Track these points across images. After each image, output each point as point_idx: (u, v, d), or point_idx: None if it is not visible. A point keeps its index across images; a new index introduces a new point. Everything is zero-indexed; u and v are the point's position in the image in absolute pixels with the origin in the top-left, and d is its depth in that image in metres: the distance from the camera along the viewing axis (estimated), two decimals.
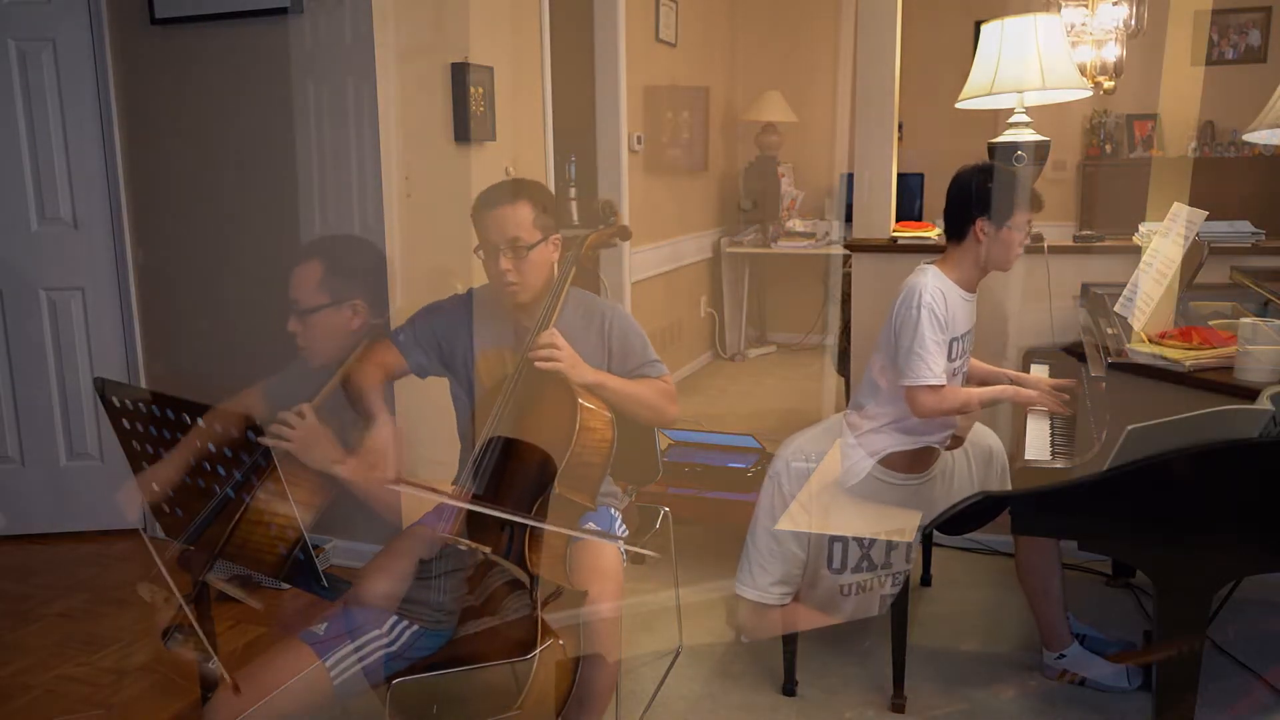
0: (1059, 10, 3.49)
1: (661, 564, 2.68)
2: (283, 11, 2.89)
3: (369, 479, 1.80)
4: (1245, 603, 2.44)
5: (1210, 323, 2.24)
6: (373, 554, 2.00)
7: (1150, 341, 2.14)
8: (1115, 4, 3.60)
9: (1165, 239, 2.36)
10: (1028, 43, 2.75)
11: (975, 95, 2.87)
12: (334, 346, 2.04)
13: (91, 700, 2.40)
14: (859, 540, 2.34)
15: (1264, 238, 2.67)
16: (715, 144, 5.89)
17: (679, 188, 5.44)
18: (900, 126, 3.46)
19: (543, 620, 1.71)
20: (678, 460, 3.23)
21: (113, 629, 2.75)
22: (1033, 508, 1.89)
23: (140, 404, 1.58)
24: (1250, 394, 1.82)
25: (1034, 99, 2.89)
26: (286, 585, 1.57)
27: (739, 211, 6.02)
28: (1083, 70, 3.52)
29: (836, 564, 2.36)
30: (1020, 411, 2.52)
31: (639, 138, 4.82)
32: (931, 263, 2.39)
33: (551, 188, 3.86)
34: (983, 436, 2.60)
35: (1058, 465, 2.23)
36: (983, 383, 2.54)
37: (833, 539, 2.35)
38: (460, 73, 3.13)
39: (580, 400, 1.92)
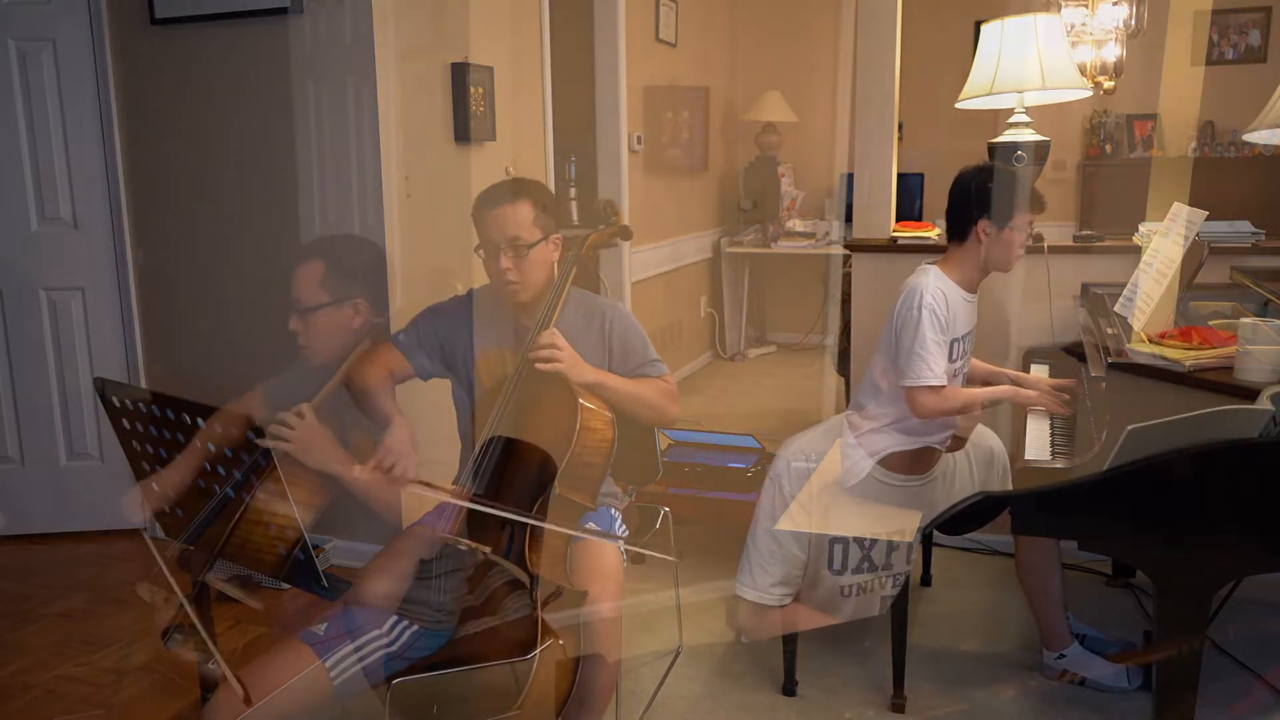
0: (1059, 10, 3.49)
1: (661, 564, 2.68)
2: (283, 11, 2.89)
3: (389, 480, 1.80)
4: (1245, 603, 2.43)
5: (1210, 323, 2.23)
6: (373, 554, 1.99)
7: (1150, 341, 2.14)
8: (1115, 4, 3.59)
9: (1165, 239, 2.36)
10: (1028, 43, 2.75)
11: (975, 95, 2.87)
12: (335, 345, 2.05)
13: (91, 700, 2.40)
14: (860, 541, 2.34)
15: (1264, 238, 2.67)
16: (715, 144, 5.89)
17: (679, 188, 5.44)
18: (900, 126, 3.46)
19: (543, 620, 1.71)
20: (678, 460, 3.23)
21: (113, 629, 2.75)
22: (1033, 508, 1.89)
23: (140, 404, 1.58)
24: (1250, 394, 1.82)
25: (1034, 99, 2.89)
26: (286, 585, 1.57)
27: (739, 211, 6.02)
28: (1083, 70, 3.52)
29: (837, 565, 2.36)
30: (1020, 412, 2.52)
31: (639, 138, 4.82)
32: (932, 263, 2.39)
33: (551, 188, 3.86)
34: (984, 438, 2.59)
35: (1058, 465, 2.23)
36: (984, 383, 2.54)
37: (833, 540, 2.35)
38: (460, 73, 3.13)
39: (581, 400, 1.92)
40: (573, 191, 4.59)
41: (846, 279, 3.34)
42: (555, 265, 2.06)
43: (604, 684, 1.88)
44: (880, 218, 3.25)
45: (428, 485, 1.80)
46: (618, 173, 4.57)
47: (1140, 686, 2.33)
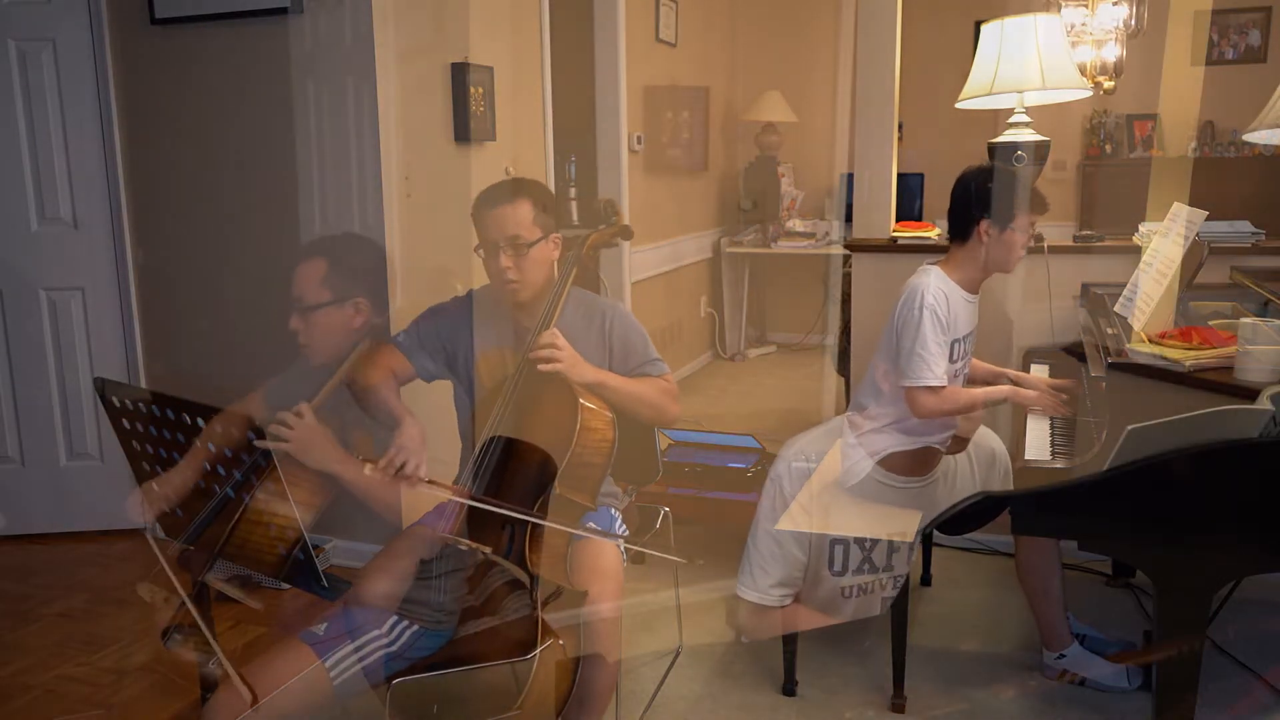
0: (1059, 10, 3.49)
1: (661, 564, 2.68)
2: (283, 11, 2.89)
3: (402, 479, 1.79)
4: (1245, 603, 2.43)
5: (1210, 323, 2.24)
6: (373, 554, 1.99)
7: (1150, 341, 2.14)
8: (1115, 4, 3.59)
9: (1165, 239, 2.36)
10: (1028, 43, 2.75)
11: (975, 95, 2.87)
12: (335, 344, 2.04)
13: (91, 700, 2.40)
14: (860, 542, 2.34)
15: (1264, 238, 2.67)
16: (715, 144, 5.89)
17: (679, 188, 5.44)
18: (900, 126, 3.46)
19: (543, 620, 1.71)
20: (678, 460, 3.23)
21: (113, 629, 2.75)
22: (1033, 508, 1.89)
23: (140, 404, 1.58)
24: (1250, 394, 1.82)
25: (1034, 99, 2.89)
26: (286, 585, 1.57)
27: (739, 211, 6.02)
28: (1083, 70, 3.52)
29: (838, 566, 2.36)
30: (1020, 412, 2.51)
31: (639, 138, 4.82)
32: (934, 263, 2.39)
33: (551, 188, 3.86)
34: (986, 439, 2.59)
35: (1058, 465, 2.23)
36: (984, 383, 2.54)
37: (834, 541, 2.35)
38: (460, 73, 3.13)
39: (581, 400, 1.92)
40: (573, 191, 4.59)
41: (846, 279, 3.34)
42: (555, 265, 2.06)
43: (604, 684, 1.88)
44: (880, 218, 3.25)
45: (439, 484, 1.80)
46: (618, 173, 4.57)
47: (1140, 686, 2.33)
